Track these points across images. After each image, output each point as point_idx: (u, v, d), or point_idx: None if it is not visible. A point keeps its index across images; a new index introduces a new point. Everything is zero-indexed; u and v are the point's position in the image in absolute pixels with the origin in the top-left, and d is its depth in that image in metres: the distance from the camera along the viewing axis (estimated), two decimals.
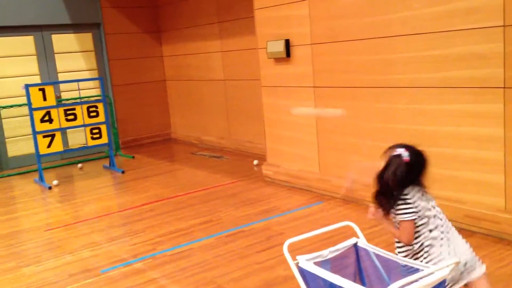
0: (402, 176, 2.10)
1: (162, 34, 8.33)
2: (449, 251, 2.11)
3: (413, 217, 2.11)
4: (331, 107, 4.58)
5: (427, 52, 3.68)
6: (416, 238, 2.14)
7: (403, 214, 2.12)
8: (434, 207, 2.18)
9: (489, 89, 3.35)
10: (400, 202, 2.12)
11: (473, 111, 3.47)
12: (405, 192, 2.13)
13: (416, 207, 2.12)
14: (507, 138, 3.31)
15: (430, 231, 2.14)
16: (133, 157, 7.29)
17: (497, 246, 3.28)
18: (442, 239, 2.14)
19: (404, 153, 2.12)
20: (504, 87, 3.27)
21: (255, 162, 5.99)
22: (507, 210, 3.38)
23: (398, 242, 2.22)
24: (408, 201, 2.12)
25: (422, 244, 2.14)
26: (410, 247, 2.17)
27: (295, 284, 2.15)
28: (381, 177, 2.15)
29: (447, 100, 3.62)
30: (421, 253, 2.15)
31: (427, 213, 2.14)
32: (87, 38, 7.81)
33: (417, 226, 2.14)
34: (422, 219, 2.14)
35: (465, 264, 2.10)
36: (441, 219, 2.17)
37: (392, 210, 2.16)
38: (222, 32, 6.99)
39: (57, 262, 3.68)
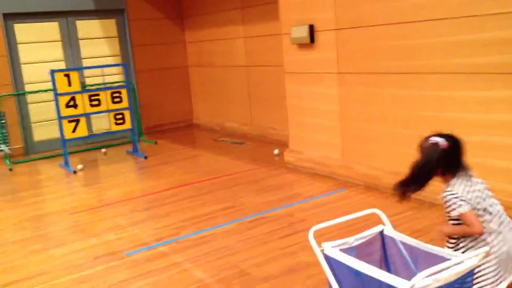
0: (443, 163, 2.09)
1: (185, 20, 8.32)
2: (503, 241, 2.04)
3: (469, 207, 2.04)
4: (356, 94, 4.51)
5: (455, 37, 3.58)
6: None
7: (457, 208, 2.05)
8: (484, 199, 2.09)
9: None
10: (447, 198, 2.08)
11: (503, 97, 3.36)
12: (450, 185, 2.10)
13: (464, 199, 2.06)
14: None
15: (486, 222, 2.05)
16: (156, 142, 7.35)
17: None
18: (500, 232, 2.05)
19: (440, 140, 2.11)
20: None
21: (276, 151, 5.93)
22: None
23: (452, 238, 2.14)
24: (456, 195, 2.07)
25: (479, 238, 2.06)
26: (465, 243, 2.10)
27: (318, 270, 2.14)
28: (420, 167, 2.12)
29: (476, 87, 3.52)
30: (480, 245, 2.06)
31: (478, 206, 2.07)
32: (111, 24, 7.85)
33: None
34: (476, 211, 2.06)
35: None
36: (491, 213, 2.07)
37: (446, 213, 2.12)
38: (245, 17, 6.93)
39: (82, 245, 3.75)
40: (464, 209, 2.04)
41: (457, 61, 3.61)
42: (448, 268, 1.66)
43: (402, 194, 2.16)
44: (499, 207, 2.13)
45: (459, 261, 1.71)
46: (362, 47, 4.36)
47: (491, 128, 3.48)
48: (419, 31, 3.83)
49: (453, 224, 2.12)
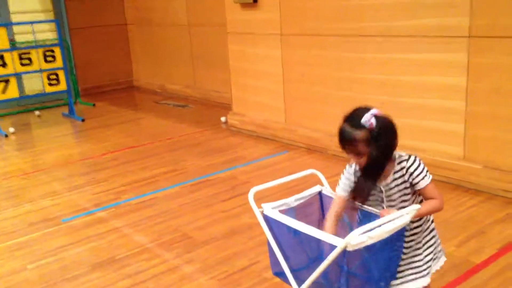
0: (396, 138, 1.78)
1: None
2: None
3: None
4: (299, 56, 4.50)
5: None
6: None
7: (428, 177, 1.78)
8: None
9: (454, 38, 3.35)
10: (419, 163, 1.78)
11: (439, 60, 3.47)
12: (405, 154, 1.82)
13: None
14: (469, 88, 3.35)
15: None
16: (94, 105, 7.06)
17: (455, 193, 3.39)
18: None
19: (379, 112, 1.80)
20: (468, 36, 3.27)
21: (223, 119, 5.80)
22: (465, 159, 3.48)
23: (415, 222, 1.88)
24: (422, 162, 1.79)
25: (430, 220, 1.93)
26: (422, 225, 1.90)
27: (260, 231, 2.16)
28: (377, 146, 1.73)
29: (415, 49, 3.61)
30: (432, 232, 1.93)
31: None
32: None
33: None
34: None
35: None
36: None
37: (408, 181, 1.80)
38: None
39: (16, 211, 3.58)
40: (430, 177, 1.78)
41: (399, 23, 3.66)
42: (381, 225, 1.72)
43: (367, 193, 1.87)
44: None
45: (392, 219, 1.77)
46: (306, 8, 4.32)
47: (426, 91, 3.59)
48: None
49: (403, 206, 1.85)
